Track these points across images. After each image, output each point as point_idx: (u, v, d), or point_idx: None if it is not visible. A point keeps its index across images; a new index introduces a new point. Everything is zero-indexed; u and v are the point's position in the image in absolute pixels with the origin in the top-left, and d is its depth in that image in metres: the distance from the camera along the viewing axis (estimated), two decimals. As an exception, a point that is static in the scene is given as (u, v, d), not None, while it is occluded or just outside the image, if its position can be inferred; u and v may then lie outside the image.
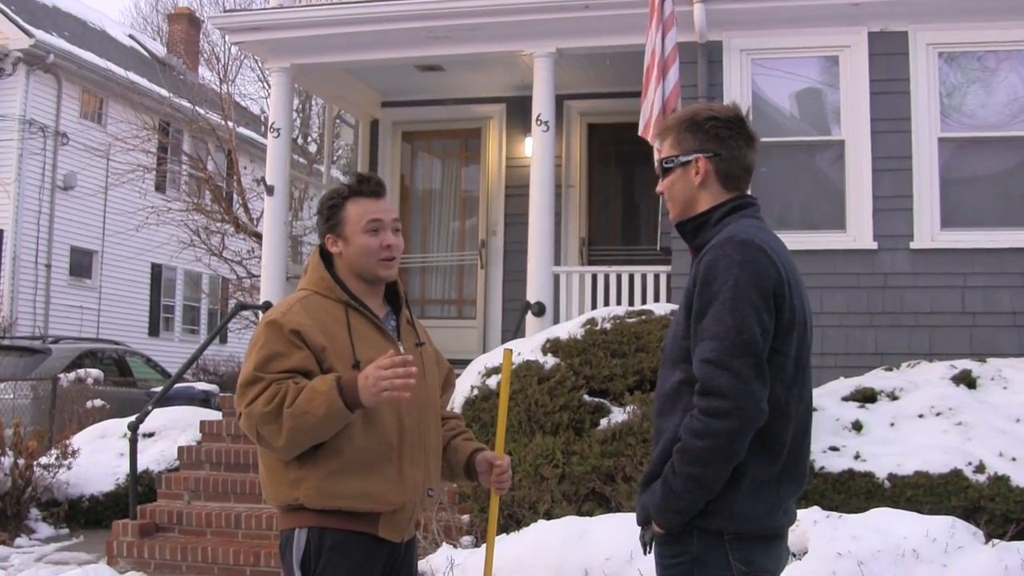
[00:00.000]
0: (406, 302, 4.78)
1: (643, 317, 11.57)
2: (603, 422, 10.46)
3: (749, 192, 4.22)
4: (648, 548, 4.10)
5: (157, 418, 14.36)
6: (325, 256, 4.64)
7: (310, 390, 4.17)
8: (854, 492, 9.53)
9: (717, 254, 3.86)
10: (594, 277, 14.47)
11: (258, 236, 23.62)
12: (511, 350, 4.96)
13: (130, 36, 39.14)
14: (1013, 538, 8.81)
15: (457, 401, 10.97)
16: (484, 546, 4.86)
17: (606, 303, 14.00)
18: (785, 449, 3.85)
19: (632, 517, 8.87)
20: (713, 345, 3.74)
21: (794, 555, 8.22)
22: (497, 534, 8.88)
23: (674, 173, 4.17)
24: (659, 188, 4.27)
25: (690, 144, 4.13)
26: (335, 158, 29.08)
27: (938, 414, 10.48)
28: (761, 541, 3.88)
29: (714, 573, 3.84)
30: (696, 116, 4.16)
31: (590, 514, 9.46)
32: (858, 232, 13.44)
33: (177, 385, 15.57)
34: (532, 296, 14.28)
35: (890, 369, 11.99)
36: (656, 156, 12.64)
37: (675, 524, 3.87)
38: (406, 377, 4.14)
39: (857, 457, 9.81)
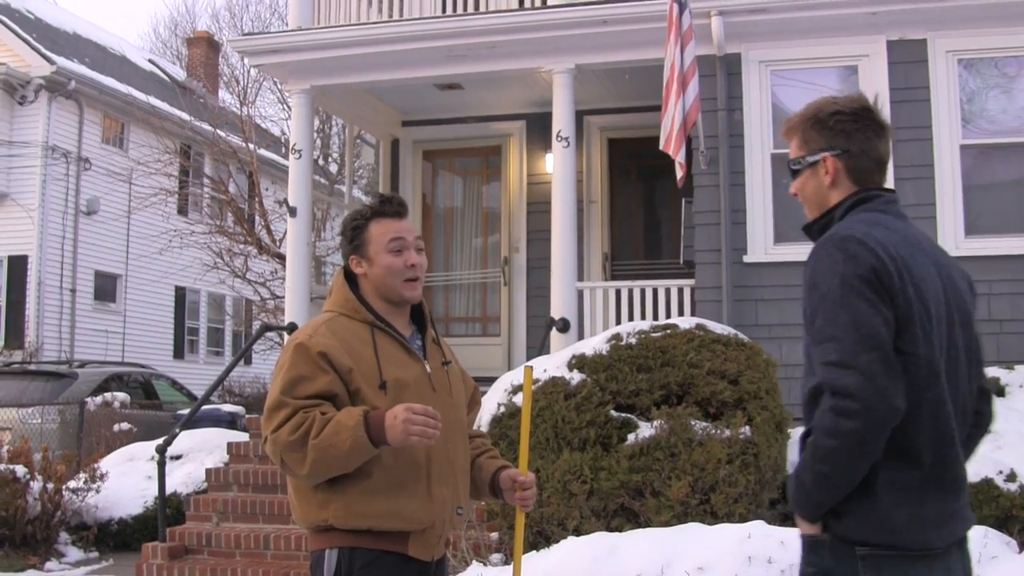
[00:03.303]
0: (431, 322, 4.79)
1: (668, 331, 11.54)
2: (630, 437, 10.42)
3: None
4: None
5: (184, 440, 14.41)
6: (350, 277, 4.66)
7: (336, 423, 4.17)
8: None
9: (819, 254, 3.74)
10: (618, 292, 14.46)
11: (281, 257, 23.69)
12: (532, 368, 4.95)
13: (150, 61, 39.31)
14: (1046, 546, 8.77)
15: (484, 418, 10.96)
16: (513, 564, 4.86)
17: (630, 318, 13.97)
18: (924, 455, 3.63)
19: (661, 532, 8.88)
20: (833, 346, 3.57)
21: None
22: (526, 551, 8.90)
23: (803, 175, 4.03)
24: (792, 190, 4.12)
25: (816, 143, 3.98)
26: (356, 178, 29.14)
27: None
28: (901, 561, 3.62)
29: None
30: (820, 112, 4.00)
31: (619, 530, 9.44)
32: (881, 241, 13.39)
33: (203, 407, 15.59)
34: (556, 312, 14.28)
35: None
36: (678, 171, 12.70)
37: (811, 516, 3.70)
38: (435, 428, 4.15)
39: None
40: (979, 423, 4.03)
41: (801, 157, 4.02)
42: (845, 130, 3.92)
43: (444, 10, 15.30)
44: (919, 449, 3.62)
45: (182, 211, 31.38)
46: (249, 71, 29.42)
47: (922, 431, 3.63)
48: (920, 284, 3.67)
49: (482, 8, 15.09)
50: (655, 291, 14.22)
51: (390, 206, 4.65)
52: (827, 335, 3.60)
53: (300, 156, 15.90)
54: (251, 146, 27.24)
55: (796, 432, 10.32)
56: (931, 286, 3.72)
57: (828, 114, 3.96)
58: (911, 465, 3.62)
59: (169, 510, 13.05)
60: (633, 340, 11.44)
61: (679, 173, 12.89)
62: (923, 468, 3.63)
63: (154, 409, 21.37)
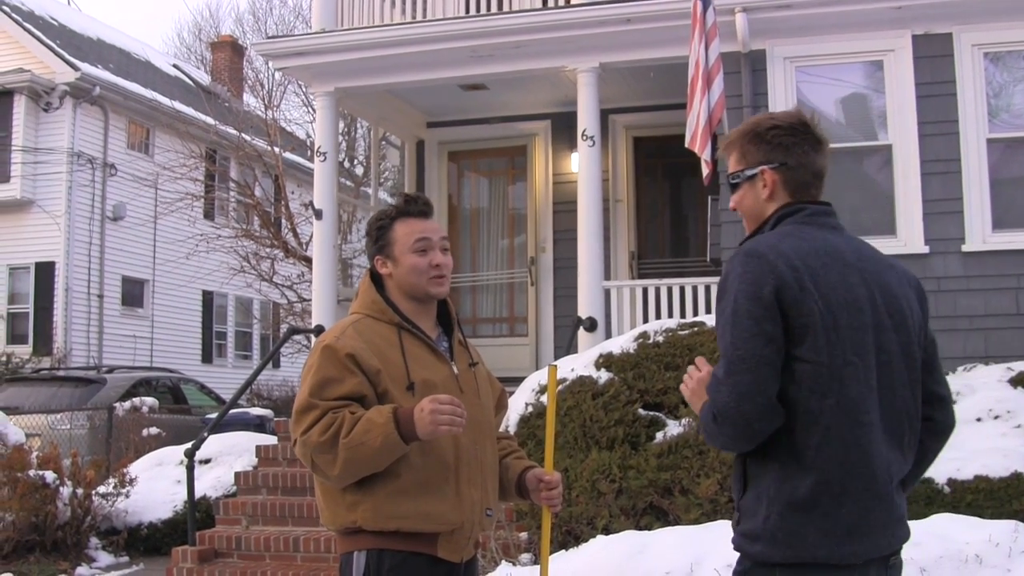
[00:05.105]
0: (458, 323, 4.77)
1: (695, 329, 11.53)
2: (659, 435, 10.41)
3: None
4: None
5: (213, 444, 14.41)
6: (376, 278, 4.65)
7: (366, 421, 4.17)
8: (914, 498, 9.41)
9: (726, 269, 3.85)
10: (644, 291, 14.44)
11: (307, 260, 23.69)
12: (556, 367, 4.94)
13: (174, 66, 39.40)
14: (1077, 541, 8.71)
15: (512, 418, 10.96)
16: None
17: (657, 316, 13.94)
18: (828, 468, 3.65)
19: (690, 530, 8.85)
20: (721, 361, 3.74)
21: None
22: (556, 550, 8.88)
23: (742, 188, 4.07)
24: (731, 204, 4.16)
25: (755, 157, 4.02)
26: (382, 180, 29.12)
27: (996, 417, 10.40)
28: (815, 569, 3.66)
29: None
30: (758, 127, 4.05)
31: (648, 528, 9.42)
32: (909, 236, 13.35)
33: (232, 411, 15.61)
34: (583, 311, 14.26)
35: (946, 373, 11.87)
36: (704, 168, 12.70)
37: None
38: (462, 416, 4.16)
39: (915, 463, 9.72)
40: (932, 430, 4.06)
41: (740, 171, 4.08)
42: (783, 144, 3.99)
43: (467, 10, 15.28)
44: (823, 459, 3.67)
45: (208, 215, 31.48)
46: (273, 74, 29.41)
47: (825, 440, 3.67)
48: (829, 294, 3.72)
49: (506, 8, 15.06)
50: (682, 289, 14.19)
51: (415, 206, 4.63)
52: (720, 349, 3.79)
53: (325, 158, 15.90)
54: (276, 149, 27.28)
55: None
56: (846, 295, 3.76)
57: (766, 128, 4.03)
58: (813, 477, 3.66)
59: (199, 514, 13.08)
60: (660, 338, 11.43)
61: (705, 171, 12.87)
62: (831, 480, 3.66)
63: (182, 413, 21.47)
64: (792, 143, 3.99)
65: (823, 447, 3.65)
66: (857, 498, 3.68)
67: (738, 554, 3.87)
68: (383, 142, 21.25)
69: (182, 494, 13.63)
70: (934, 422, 4.06)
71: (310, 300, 19.00)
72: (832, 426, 3.65)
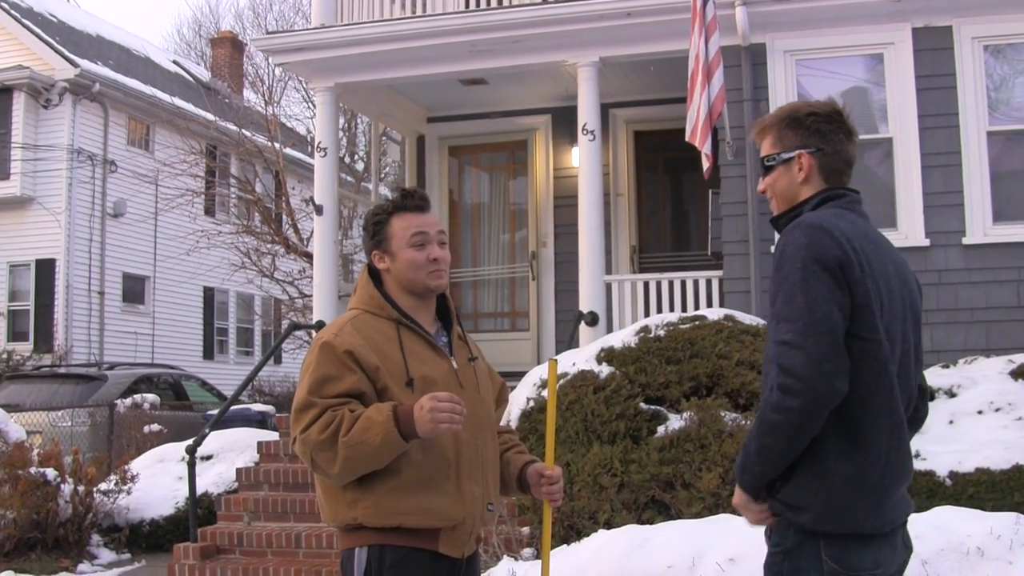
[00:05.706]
0: (457, 318, 4.75)
1: (696, 323, 11.52)
2: (660, 429, 10.40)
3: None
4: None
5: (214, 441, 14.42)
6: (374, 274, 4.63)
7: (366, 419, 4.15)
8: (915, 491, 9.44)
9: (787, 239, 3.90)
10: (646, 285, 14.42)
11: (308, 256, 23.70)
12: (556, 361, 4.94)
13: (174, 62, 39.39)
14: (1079, 533, 8.71)
15: (513, 413, 10.95)
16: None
17: (659, 310, 13.94)
18: (879, 442, 3.80)
19: (692, 524, 8.85)
20: (787, 326, 3.75)
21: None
22: (557, 545, 8.88)
23: (776, 170, 4.20)
24: (761, 187, 4.29)
25: (792, 141, 4.14)
26: (383, 175, 29.13)
27: (997, 410, 10.40)
28: (858, 540, 3.80)
29: (803, 566, 3.83)
30: (796, 112, 4.18)
31: (650, 522, 9.41)
32: (909, 229, 13.35)
33: (233, 407, 15.59)
34: (584, 306, 14.25)
35: (947, 366, 11.90)
36: (705, 162, 12.67)
37: (750, 486, 3.92)
38: (461, 414, 4.16)
39: (917, 456, 9.72)
40: (915, 418, 4.17)
41: (776, 154, 4.20)
42: (820, 130, 4.12)
43: (467, 5, 15.26)
44: (875, 434, 3.80)
45: (209, 212, 31.45)
46: (274, 70, 29.43)
47: (878, 415, 3.80)
48: (879, 279, 3.86)
49: (505, 2, 15.06)
50: (683, 283, 14.18)
51: (411, 200, 4.62)
52: (784, 315, 3.79)
53: (325, 154, 15.90)
54: (277, 145, 27.28)
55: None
56: (888, 282, 3.91)
57: (804, 114, 4.15)
58: (864, 454, 3.79)
59: (200, 510, 13.07)
60: (662, 332, 11.42)
61: (705, 164, 12.86)
62: (879, 455, 3.80)
63: (184, 410, 21.45)
64: (829, 130, 4.12)
65: (876, 422, 3.79)
66: (898, 472, 3.87)
67: (761, 529, 3.95)
68: (384, 137, 21.23)
69: (184, 491, 13.62)
70: (918, 410, 4.17)
71: (311, 296, 19.00)
72: (883, 403, 3.79)
